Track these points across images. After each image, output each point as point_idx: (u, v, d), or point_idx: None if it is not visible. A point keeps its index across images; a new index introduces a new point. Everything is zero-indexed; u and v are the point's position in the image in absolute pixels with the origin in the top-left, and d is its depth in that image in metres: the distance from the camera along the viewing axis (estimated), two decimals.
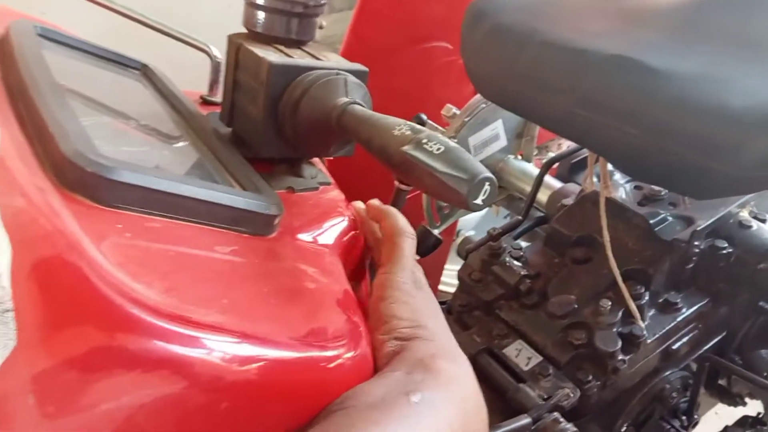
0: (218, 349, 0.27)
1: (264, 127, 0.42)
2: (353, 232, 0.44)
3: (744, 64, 0.60)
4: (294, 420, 0.30)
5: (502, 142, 1.11)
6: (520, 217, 0.98)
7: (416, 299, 0.42)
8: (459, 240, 1.03)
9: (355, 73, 0.44)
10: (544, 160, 1.00)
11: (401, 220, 0.46)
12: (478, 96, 1.08)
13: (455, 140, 1.05)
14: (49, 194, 0.28)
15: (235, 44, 0.45)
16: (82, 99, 0.44)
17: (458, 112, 1.06)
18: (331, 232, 0.42)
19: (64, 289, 0.25)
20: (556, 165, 1.09)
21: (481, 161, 1.12)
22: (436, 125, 1.06)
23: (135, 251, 0.29)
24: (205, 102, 0.56)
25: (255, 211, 0.36)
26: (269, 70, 0.40)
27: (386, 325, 0.39)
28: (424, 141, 0.35)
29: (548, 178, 1.06)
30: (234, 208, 0.35)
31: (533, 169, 1.09)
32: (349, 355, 0.33)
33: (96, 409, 0.25)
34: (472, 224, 1.47)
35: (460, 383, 0.39)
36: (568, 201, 0.97)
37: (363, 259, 0.46)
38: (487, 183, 0.35)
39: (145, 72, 0.54)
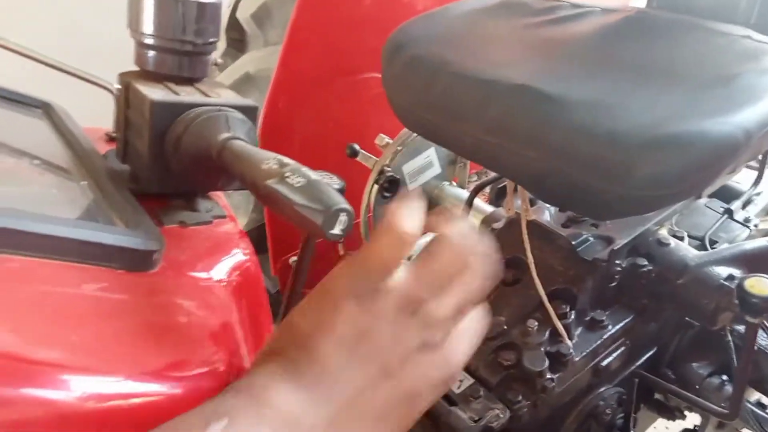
0: (57, 385, 0.27)
1: (150, 163, 0.43)
2: (247, 264, 0.45)
3: (632, 90, 0.63)
4: None
5: (437, 169, 1.14)
6: None
7: (319, 315, 0.36)
8: None
9: (243, 109, 0.45)
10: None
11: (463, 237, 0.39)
12: None
13: (389, 169, 1.07)
14: None
15: (125, 82, 0.46)
16: None
17: (391, 141, 1.08)
18: (220, 265, 0.42)
19: None
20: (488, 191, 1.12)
21: (417, 188, 1.14)
22: (369, 155, 1.08)
23: None
24: (110, 138, 0.56)
25: (129, 246, 0.37)
26: (151, 108, 0.41)
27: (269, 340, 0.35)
28: (287, 174, 0.37)
29: (480, 204, 1.08)
30: (104, 245, 0.36)
31: (467, 195, 1.12)
32: (205, 387, 0.33)
33: None
34: (418, 250, 1.49)
35: (283, 412, 0.32)
36: (498, 225, 0.99)
37: (259, 289, 0.47)
38: (343, 213, 0.36)
39: (46, 110, 0.54)
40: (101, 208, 0.41)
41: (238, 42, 1.43)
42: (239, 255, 0.44)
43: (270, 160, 0.38)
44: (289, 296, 0.90)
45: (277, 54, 1.12)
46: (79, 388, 0.28)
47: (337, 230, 0.37)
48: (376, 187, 1.06)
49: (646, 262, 0.89)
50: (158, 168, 0.43)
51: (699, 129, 0.58)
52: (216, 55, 0.49)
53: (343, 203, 0.36)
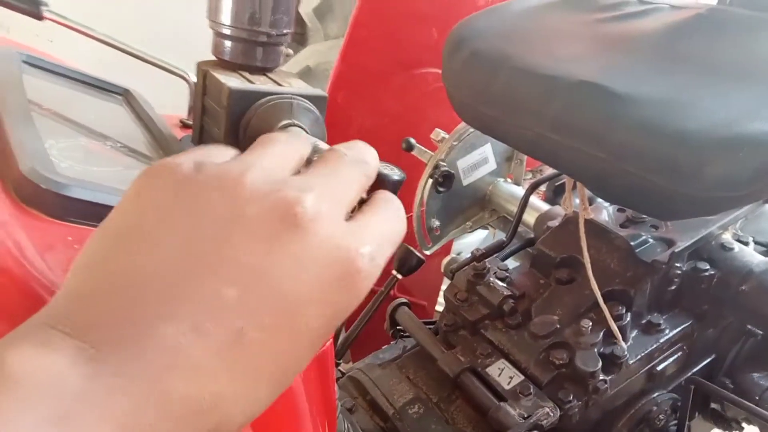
0: None
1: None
2: None
3: (704, 88, 0.62)
4: None
5: (492, 165, 1.13)
6: (503, 239, 0.99)
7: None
8: (445, 261, 1.05)
9: (313, 99, 0.47)
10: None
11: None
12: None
13: (445, 164, 1.07)
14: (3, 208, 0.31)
15: (202, 71, 0.48)
16: (59, 121, 0.47)
17: (447, 136, 1.08)
18: None
19: (8, 300, 0.27)
20: (545, 188, 1.11)
21: (472, 183, 1.14)
22: (424, 149, 1.08)
23: None
24: (184, 125, 0.59)
25: None
26: (229, 95, 0.43)
27: None
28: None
29: (536, 201, 1.07)
30: None
31: (522, 192, 1.11)
32: None
33: None
34: (470, 246, 1.49)
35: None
36: (554, 223, 0.98)
37: None
38: None
39: (126, 97, 0.57)
40: None
41: (299, 36, 1.46)
42: None
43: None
44: None
45: (336, 48, 1.14)
46: None
47: None
48: (430, 181, 1.07)
49: (707, 267, 0.87)
50: None
51: None
52: (288, 49, 0.50)
53: None
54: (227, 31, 0.47)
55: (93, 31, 0.59)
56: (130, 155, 0.48)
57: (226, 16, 0.47)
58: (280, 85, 0.47)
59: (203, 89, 0.48)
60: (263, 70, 0.49)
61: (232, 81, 0.45)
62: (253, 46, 0.47)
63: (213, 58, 0.49)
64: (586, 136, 0.65)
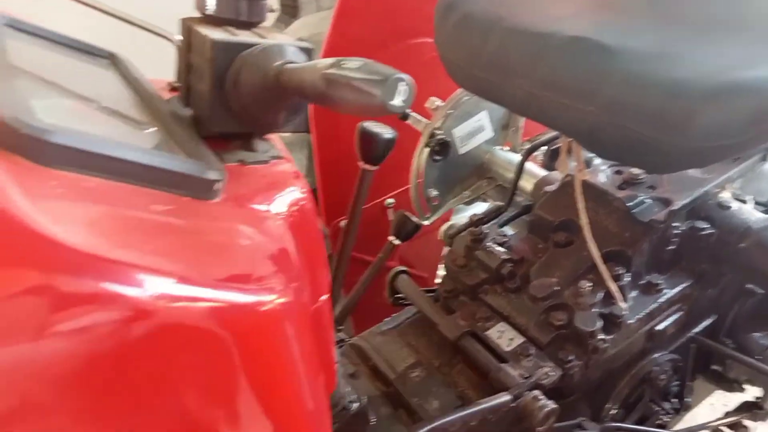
0: (139, 285, 0.30)
1: (211, 102, 0.45)
2: (303, 202, 0.46)
3: (696, 40, 0.61)
4: (217, 363, 0.33)
5: (488, 133, 1.13)
6: (502, 203, 0.99)
7: None
8: (444, 227, 1.05)
9: (300, 50, 0.46)
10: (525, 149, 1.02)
11: None
12: (461, 89, 1.09)
13: (441, 132, 1.07)
14: None
15: (186, 27, 0.48)
16: (43, 83, 0.46)
17: (442, 104, 1.07)
18: (277, 200, 0.44)
19: None
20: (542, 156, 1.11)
21: (468, 152, 1.14)
22: (419, 117, 1.08)
23: (65, 205, 0.32)
24: (173, 89, 0.58)
25: (193, 174, 0.39)
26: (212, 47, 0.43)
27: None
28: (344, 62, 0.38)
29: (533, 167, 1.07)
30: (171, 171, 0.38)
31: (519, 160, 1.10)
32: (270, 300, 0.35)
33: (33, 345, 0.27)
34: (468, 216, 1.49)
35: None
36: (551, 188, 0.98)
37: (314, 228, 0.48)
38: (402, 83, 0.37)
39: (112, 60, 0.57)
40: (167, 143, 0.44)
41: (290, 8, 1.45)
42: (296, 192, 0.46)
43: (327, 62, 0.39)
44: (339, 258, 0.93)
45: (329, 20, 1.13)
46: (153, 288, 0.30)
47: (397, 101, 0.37)
48: (426, 150, 1.07)
49: (706, 225, 0.87)
50: (219, 107, 0.45)
51: (765, 75, 0.56)
52: (271, 3, 0.50)
53: (403, 74, 0.37)
54: None
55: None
56: (115, 116, 0.48)
57: None
58: (263, 38, 0.47)
59: (188, 46, 0.48)
60: (248, 25, 0.49)
61: (216, 34, 0.45)
62: (236, 1, 0.47)
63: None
64: (577, 91, 0.64)
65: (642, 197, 0.88)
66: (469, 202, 1.25)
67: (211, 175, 0.40)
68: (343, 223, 1.22)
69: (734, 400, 1.40)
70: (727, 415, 1.08)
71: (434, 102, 1.06)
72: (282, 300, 0.35)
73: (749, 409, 1.04)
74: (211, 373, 0.33)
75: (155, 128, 0.47)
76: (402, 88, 0.37)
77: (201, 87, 0.46)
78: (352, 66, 0.37)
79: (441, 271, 1.48)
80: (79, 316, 0.28)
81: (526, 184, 1.05)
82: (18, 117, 0.33)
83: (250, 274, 0.35)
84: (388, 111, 0.37)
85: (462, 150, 1.10)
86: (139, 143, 0.42)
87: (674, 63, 0.59)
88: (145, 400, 0.32)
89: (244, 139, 0.49)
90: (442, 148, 1.06)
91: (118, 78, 0.54)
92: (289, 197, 0.45)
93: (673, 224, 0.86)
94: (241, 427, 0.36)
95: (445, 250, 1.28)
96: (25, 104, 0.36)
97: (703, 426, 1.02)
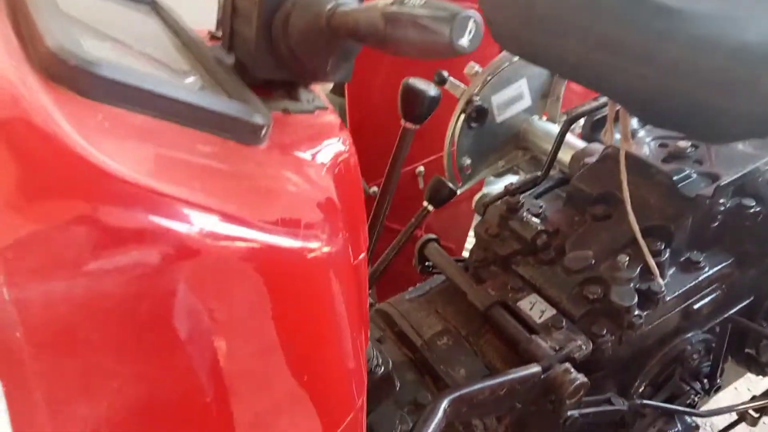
0: (188, 221, 0.28)
1: (258, 47, 0.43)
2: (347, 155, 0.45)
3: (760, 2, 0.58)
4: (262, 308, 0.32)
5: (527, 101, 1.10)
6: (538, 173, 0.97)
7: None
8: (477, 196, 1.03)
9: None
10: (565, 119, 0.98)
11: None
12: (501, 55, 1.06)
13: (478, 99, 1.04)
14: (30, 80, 0.29)
15: None
16: (87, 26, 0.45)
17: (481, 70, 1.04)
18: (323, 150, 0.42)
19: (38, 155, 0.26)
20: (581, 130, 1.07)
21: (505, 120, 1.11)
22: (457, 83, 1.05)
23: (111, 138, 0.31)
24: (213, 38, 0.57)
25: (240, 117, 0.37)
26: None
27: None
28: (405, 0, 0.36)
29: (572, 139, 1.04)
30: (218, 113, 0.36)
31: (557, 131, 1.07)
32: (318, 247, 0.33)
33: (77, 277, 0.27)
34: (499, 188, 1.46)
35: None
36: (591, 160, 0.95)
37: (357, 183, 0.47)
38: (471, 20, 0.34)
39: (153, 7, 0.55)
40: (212, 87, 0.42)
41: None
42: (340, 144, 0.44)
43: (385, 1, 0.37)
44: (371, 224, 0.91)
45: None
46: (201, 224, 0.29)
47: (465, 40, 0.35)
48: (462, 117, 1.04)
49: (753, 203, 0.84)
50: (266, 53, 0.43)
51: None
52: None
53: (471, 11, 0.35)
54: None
55: None
56: (158, 59, 0.46)
57: None
58: None
59: None
60: None
61: None
62: None
63: None
64: (634, 54, 0.61)
65: (688, 171, 0.85)
66: (501, 174, 1.23)
67: (258, 119, 0.38)
68: (373, 190, 1.21)
69: (760, 385, 1.38)
70: (755, 399, 1.06)
71: (473, 67, 1.03)
72: (328, 249, 0.34)
73: None
74: (253, 319, 0.32)
75: (198, 73, 0.45)
76: (471, 25, 0.35)
77: (247, 31, 0.44)
78: (416, 2, 0.35)
79: (468, 244, 1.47)
80: (126, 248, 0.27)
81: (564, 155, 1.02)
82: (66, 48, 0.32)
83: (299, 220, 0.34)
84: (455, 51, 0.35)
85: (499, 118, 1.07)
86: (188, 87, 0.40)
87: (739, 26, 0.55)
88: (184, 341, 0.31)
89: (288, 87, 0.47)
90: (478, 115, 1.03)
91: (159, 24, 0.52)
92: (334, 148, 0.44)
93: (720, 200, 0.82)
94: (280, 379, 0.36)
95: (476, 219, 1.26)
96: (71, 35, 0.34)
97: (732, 407, 1.00)
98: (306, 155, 0.41)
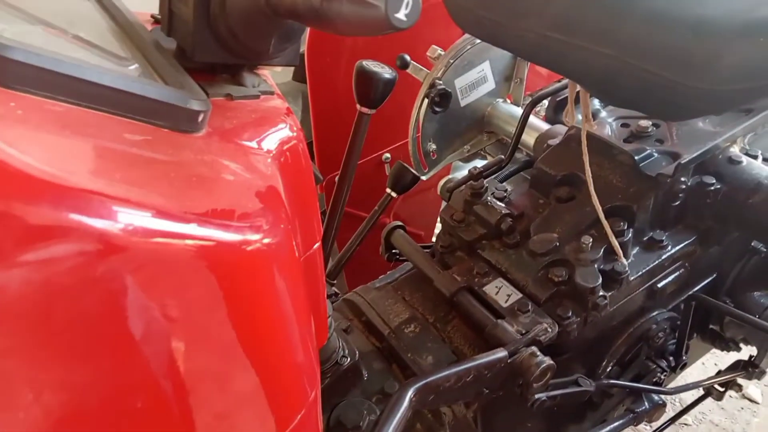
0: (102, 215, 0.26)
1: (196, 28, 0.41)
2: (294, 142, 0.43)
3: None
4: (195, 304, 0.30)
5: (490, 84, 1.09)
6: (502, 156, 0.96)
7: None
8: (442, 181, 1.02)
9: None
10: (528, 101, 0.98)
11: None
12: (464, 37, 1.05)
13: (441, 82, 1.02)
14: None
15: None
16: (15, 11, 0.42)
17: (443, 53, 1.03)
18: (267, 137, 0.40)
19: None
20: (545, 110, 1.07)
21: (469, 104, 1.10)
22: (420, 67, 1.03)
23: (23, 129, 0.28)
24: (156, 21, 0.54)
25: (174, 104, 0.35)
26: None
27: None
28: None
29: (536, 121, 1.03)
30: (150, 99, 0.34)
31: (521, 113, 1.06)
32: (257, 239, 0.32)
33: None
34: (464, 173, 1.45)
35: None
36: (554, 142, 0.95)
37: (307, 171, 0.45)
38: None
39: None
40: (148, 72, 0.40)
41: None
42: (287, 130, 0.42)
43: None
44: (331, 211, 0.89)
45: None
46: (125, 220, 0.27)
47: (402, 14, 0.33)
48: (426, 101, 1.02)
49: (713, 180, 0.84)
50: (204, 34, 0.41)
51: None
52: None
53: None
54: None
55: None
56: (92, 44, 0.43)
57: None
58: None
59: None
60: None
61: None
62: None
63: None
64: (592, 32, 0.60)
65: (649, 150, 0.85)
66: (467, 159, 1.22)
67: (195, 105, 0.36)
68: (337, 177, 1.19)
69: (725, 360, 1.40)
70: (720, 373, 1.08)
71: (436, 50, 1.02)
72: (269, 240, 0.32)
73: (744, 367, 1.03)
74: (188, 319, 0.31)
75: (134, 58, 0.43)
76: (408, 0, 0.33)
77: (185, 12, 0.42)
78: None
79: (438, 230, 1.46)
80: (33, 247, 0.25)
81: (528, 138, 1.02)
82: None
83: (235, 211, 0.32)
84: (393, 26, 0.33)
85: (463, 102, 1.06)
86: (116, 71, 0.38)
87: (698, 0, 0.55)
88: (110, 342, 0.29)
89: (231, 71, 0.45)
90: (442, 99, 1.01)
91: (97, 8, 0.49)
92: (279, 135, 0.42)
93: (681, 178, 0.83)
94: (223, 377, 0.34)
95: (443, 205, 1.25)
96: None
97: (698, 383, 1.02)
98: (249, 142, 0.39)
